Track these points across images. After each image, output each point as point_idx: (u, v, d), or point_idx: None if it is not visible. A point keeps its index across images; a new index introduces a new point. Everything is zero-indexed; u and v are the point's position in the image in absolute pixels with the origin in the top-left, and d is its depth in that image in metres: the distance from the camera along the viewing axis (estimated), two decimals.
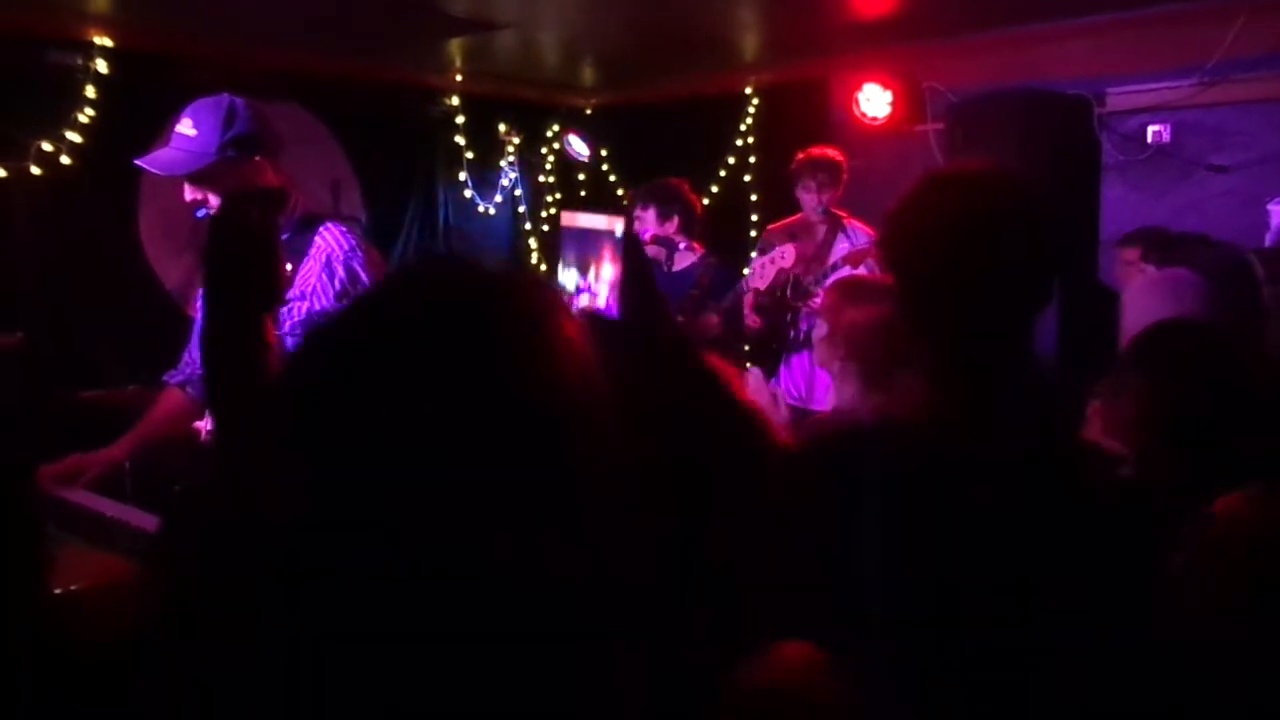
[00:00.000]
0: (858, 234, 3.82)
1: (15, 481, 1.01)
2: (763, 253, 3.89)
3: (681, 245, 3.88)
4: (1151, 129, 4.11)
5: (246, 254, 1.02)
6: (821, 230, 3.89)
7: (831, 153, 3.90)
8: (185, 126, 2.01)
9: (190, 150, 1.99)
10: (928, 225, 1.19)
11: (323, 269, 2.05)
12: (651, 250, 3.72)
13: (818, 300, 3.39)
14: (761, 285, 3.67)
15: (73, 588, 1.22)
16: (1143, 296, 1.84)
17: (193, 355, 2.41)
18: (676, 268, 3.85)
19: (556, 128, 5.45)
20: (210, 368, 1.08)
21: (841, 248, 3.81)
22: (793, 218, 4.04)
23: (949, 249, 1.16)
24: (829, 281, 3.39)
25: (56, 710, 0.85)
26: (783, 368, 3.87)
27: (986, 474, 1.10)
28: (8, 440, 1.17)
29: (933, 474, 1.10)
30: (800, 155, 3.91)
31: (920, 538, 1.08)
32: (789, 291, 3.79)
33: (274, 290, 1.06)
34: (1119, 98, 4.14)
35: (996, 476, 1.10)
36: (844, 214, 3.89)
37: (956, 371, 1.17)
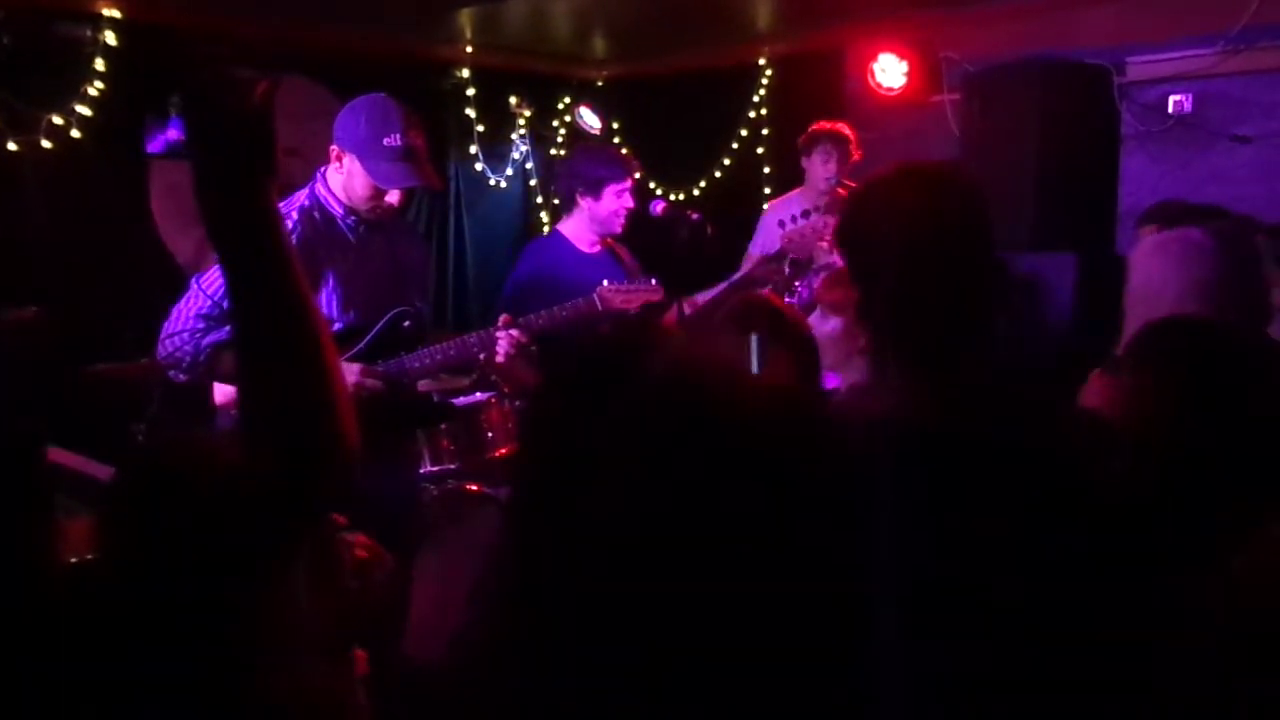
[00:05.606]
0: None
1: (26, 453, 1.02)
2: (765, 228, 3.82)
3: None
4: (1173, 99, 4.03)
5: (233, 127, 0.96)
6: (823, 205, 3.85)
7: (847, 129, 3.90)
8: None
9: None
10: (880, 225, 1.27)
11: None
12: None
13: (817, 281, 3.28)
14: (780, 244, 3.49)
15: (88, 558, 1.23)
16: (1149, 258, 1.76)
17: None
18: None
19: (568, 100, 5.40)
20: (223, 261, 0.99)
21: None
22: (793, 191, 4.01)
23: (899, 247, 1.24)
24: (819, 265, 3.34)
25: (63, 678, 0.85)
26: None
27: (968, 463, 1.12)
28: (21, 412, 1.17)
29: (919, 467, 1.11)
30: (817, 125, 3.90)
31: (921, 531, 1.09)
32: (788, 267, 3.71)
33: (269, 159, 0.98)
34: (1139, 67, 4.06)
35: (976, 465, 1.12)
36: (856, 185, 3.84)
37: (919, 363, 1.24)
